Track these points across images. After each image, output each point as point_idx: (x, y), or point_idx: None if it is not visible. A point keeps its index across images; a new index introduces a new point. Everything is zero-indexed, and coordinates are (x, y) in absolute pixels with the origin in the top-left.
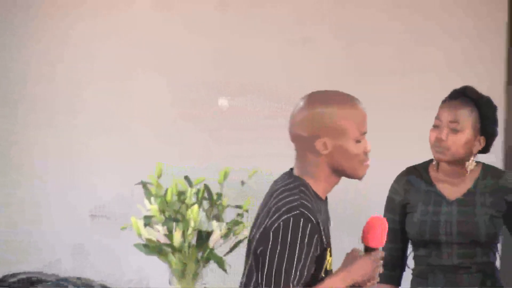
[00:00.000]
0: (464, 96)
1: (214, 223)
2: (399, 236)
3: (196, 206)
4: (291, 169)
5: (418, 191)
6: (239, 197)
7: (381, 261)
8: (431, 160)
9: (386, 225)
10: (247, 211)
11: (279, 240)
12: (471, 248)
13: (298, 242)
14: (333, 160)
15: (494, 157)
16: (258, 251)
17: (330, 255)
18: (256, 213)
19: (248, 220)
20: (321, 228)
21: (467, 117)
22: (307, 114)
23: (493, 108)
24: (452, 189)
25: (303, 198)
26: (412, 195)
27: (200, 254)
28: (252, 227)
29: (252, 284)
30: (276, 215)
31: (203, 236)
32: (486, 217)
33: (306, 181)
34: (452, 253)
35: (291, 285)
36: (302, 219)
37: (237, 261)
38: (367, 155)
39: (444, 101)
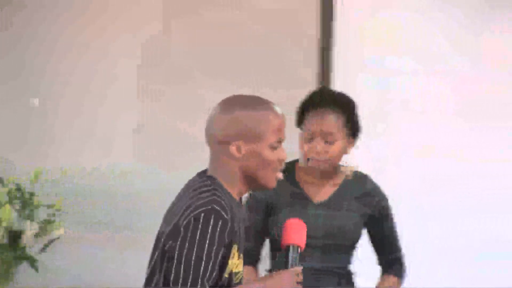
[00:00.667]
0: (329, 102)
1: (26, 223)
2: (258, 236)
3: (7, 205)
4: (205, 170)
5: (283, 193)
6: None
7: (301, 277)
8: (297, 160)
9: (304, 225)
10: (59, 210)
11: (189, 235)
12: (334, 252)
13: (208, 238)
14: (246, 165)
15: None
16: (166, 247)
17: (239, 257)
18: (167, 209)
19: (62, 220)
20: (233, 226)
21: (338, 125)
22: (223, 117)
23: (356, 107)
24: (319, 192)
25: (216, 195)
26: (277, 196)
27: (12, 253)
28: (162, 223)
29: (154, 280)
30: (188, 211)
31: (15, 236)
32: (351, 221)
33: (219, 181)
34: (314, 256)
35: (199, 281)
36: (213, 215)
37: (50, 260)
38: (281, 164)
39: (307, 109)
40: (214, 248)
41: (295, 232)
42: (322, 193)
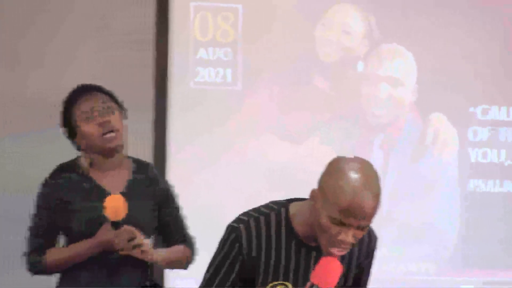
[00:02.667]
0: (89, 88)
1: None
2: (54, 233)
3: None
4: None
5: (76, 187)
6: None
7: None
8: (75, 159)
9: (339, 268)
10: None
11: (218, 244)
12: None
13: (223, 252)
14: (315, 214)
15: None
16: None
17: None
18: None
19: None
20: (255, 254)
21: (108, 98)
22: (330, 163)
23: None
24: (113, 182)
25: (256, 219)
26: (70, 191)
27: None
28: None
29: None
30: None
31: None
32: (148, 209)
33: (290, 213)
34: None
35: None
36: (233, 234)
37: None
38: (335, 243)
39: (75, 101)
40: (226, 264)
41: (323, 273)
42: (117, 183)
